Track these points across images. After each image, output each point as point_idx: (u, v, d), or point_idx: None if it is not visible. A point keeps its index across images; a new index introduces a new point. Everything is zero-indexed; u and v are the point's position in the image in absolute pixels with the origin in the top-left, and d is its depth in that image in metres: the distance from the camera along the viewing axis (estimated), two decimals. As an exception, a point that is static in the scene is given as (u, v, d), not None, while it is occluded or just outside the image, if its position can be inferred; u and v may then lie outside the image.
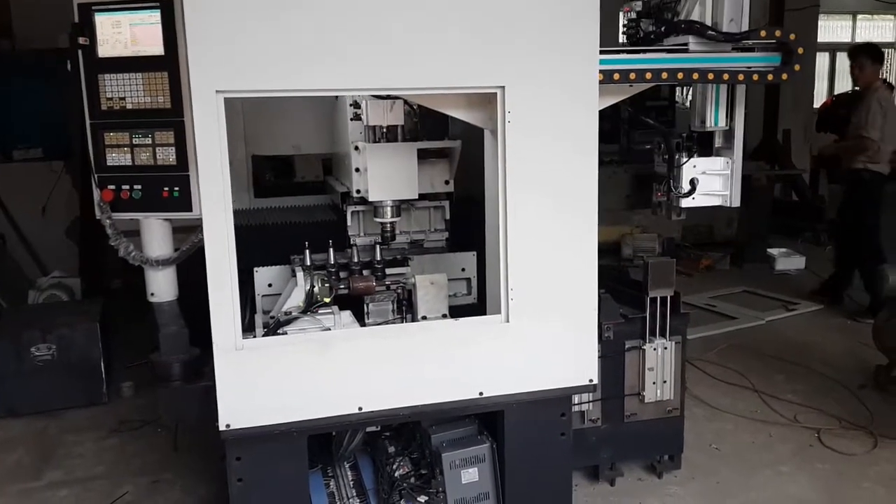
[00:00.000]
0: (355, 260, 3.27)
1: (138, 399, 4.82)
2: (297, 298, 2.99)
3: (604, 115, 2.79)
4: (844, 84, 16.49)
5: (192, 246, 2.98)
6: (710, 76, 2.77)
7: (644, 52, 2.75)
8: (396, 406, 2.62)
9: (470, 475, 3.01)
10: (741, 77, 2.79)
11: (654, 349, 3.64)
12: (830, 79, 16.79)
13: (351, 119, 3.28)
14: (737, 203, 3.26)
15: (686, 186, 3.23)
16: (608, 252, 8.38)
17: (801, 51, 2.80)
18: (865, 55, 6.32)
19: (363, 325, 3.09)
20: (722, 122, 3.10)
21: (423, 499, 3.05)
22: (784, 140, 9.87)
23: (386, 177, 3.13)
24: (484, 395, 2.70)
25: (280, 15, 2.33)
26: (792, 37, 2.80)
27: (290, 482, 2.69)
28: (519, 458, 2.94)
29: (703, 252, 8.44)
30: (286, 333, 2.79)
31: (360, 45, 2.40)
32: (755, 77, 2.81)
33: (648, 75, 2.71)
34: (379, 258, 3.28)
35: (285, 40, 2.34)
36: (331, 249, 3.23)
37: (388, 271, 3.33)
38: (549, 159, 2.61)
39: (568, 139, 2.62)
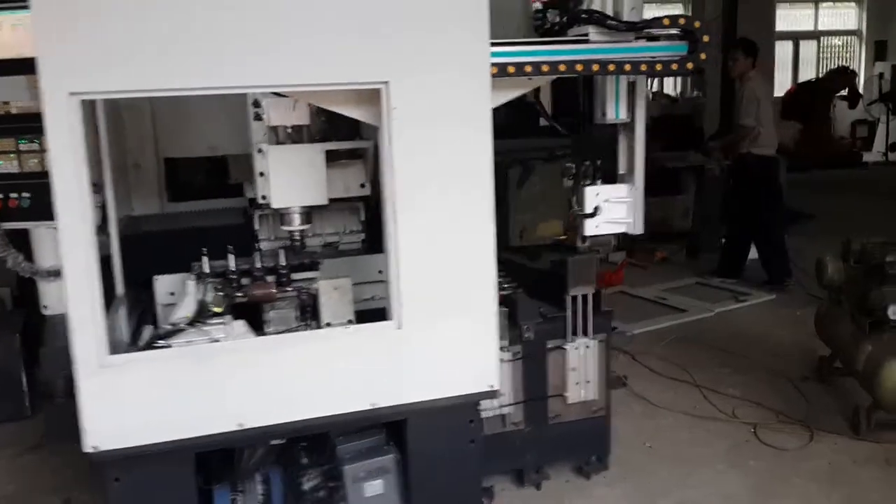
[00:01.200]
0: (258, 265, 3.13)
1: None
2: (187, 308, 2.85)
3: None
4: (808, 72, 16.59)
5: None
6: (611, 67, 2.65)
7: (539, 43, 2.63)
8: (280, 421, 2.48)
9: (374, 488, 2.89)
10: (644, 67, 2.69)
11: (576, 349, 3.54)
12: (794, 67, 16.87)
13: (253, 119, 3.11)
14: (640, 230, 3.22)
15: (590, 208, 3.16)
16: (563, 246, 8.29)
17: (706, 39, 2.70)
18: (739, 49, 6.86)
19: (263, 334, 2.96)
20: (623, 115, 3.01)
21: (327, 513, 2.93)
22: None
23: (291, 182, 2.97)
24: (376, 407, 2.58)
25: (138, 7, 2.18)
26: (696, 24, 2.69)
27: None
28: (425, 468, 2.82)
29: (659, 244, 8.37)
30: (170, 346, 2.65)
31: (229, 41, 2.26)
32: (658, 67, 2.70)
33: (545, 68, 2.59)
34: (284, 263, 3.15)
35: (144, 35, 2.18)
36: (231, 255, 3.09)
37: (296, 276, 3.21)
38: (440, 158, 2.49)
39: (459, 136, 2.50)
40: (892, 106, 14.70)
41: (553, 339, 3.55)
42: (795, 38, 16.54)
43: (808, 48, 16.94)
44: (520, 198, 3.91)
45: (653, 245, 8.33)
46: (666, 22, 2.68)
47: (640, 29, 2.68)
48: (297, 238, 3.13)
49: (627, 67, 2.67)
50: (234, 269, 3.09)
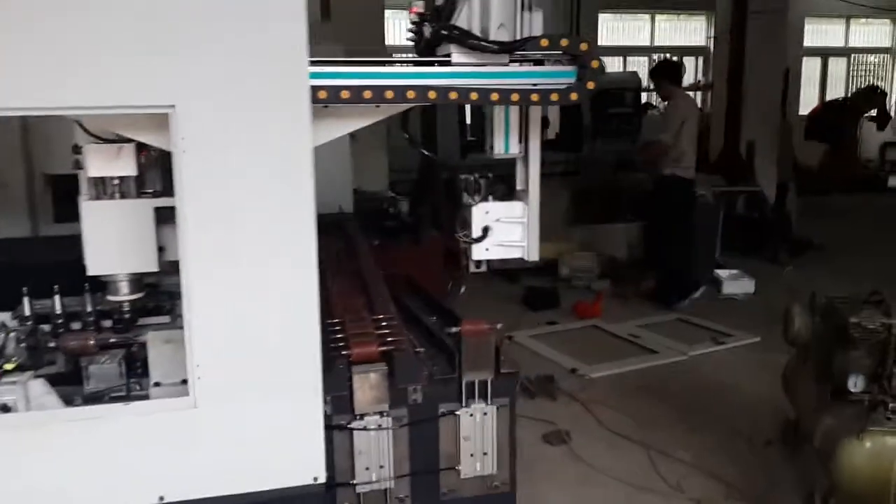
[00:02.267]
0: (89, 309, 2.71)
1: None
2: (-21, 362, 2.43)
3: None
4: (837, 90, 15.83)
5: None
6: (474, 96, 2.17)
7: (379, 63, 2.16)
8: (41, 516, 2.05)
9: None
10: (515, 97, 2.20)
11: (471, 415, 3.04)
12: (822, 84, 16.13)
13: (73, 167, 2.62)
14: (534, 257, 2.69)
15: (478, 232, 2.65)
16: (545, 271, 7.81)
17: (595, 64, 2.21)
18: (661, 76, 7.12)
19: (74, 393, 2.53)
20: (514, 149, 2.51)
21: None
22: (748, 153, 9.18)
23: (110, 244, 2.49)
24: (165, 501, 2.12)
25: None
26: (583, 46, 2.20)
27: None
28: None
29: (648, 272, 7.81)
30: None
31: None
32: (534, 97, 2.21)
33: (389, 94, 2.12)
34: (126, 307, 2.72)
35: None
36: (56, 296, 2.68)
37: (144, 321, 2.79)
38: (243, 199, 2.04)
39: (269, 173, 2.05)
40: (922, 129, 13.94)
41: (446, 402, 3.06)
42: (824, 54, 15.80)
43: (838, 65, 16.18)
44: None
45: (641, 273, 7.79)
46: (544, 43, 2.19)
47: (508, 50, 2.19)
48: (127, 311, 2.67)
49: (494, 97, 2.18)
50: (59, 312, 2.68)
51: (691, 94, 11.68)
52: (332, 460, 2.68)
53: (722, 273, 7.54)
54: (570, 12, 11.70)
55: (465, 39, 2.17)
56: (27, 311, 2.66)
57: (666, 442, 4.32)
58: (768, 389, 4.99)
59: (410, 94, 2.13)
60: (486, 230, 2.64)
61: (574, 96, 2.21)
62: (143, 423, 2.10)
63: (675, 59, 12.01)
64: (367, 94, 2.11)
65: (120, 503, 2.10)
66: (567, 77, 2.26)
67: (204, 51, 1.94)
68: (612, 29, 14.41)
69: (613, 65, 13.54)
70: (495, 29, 2.20)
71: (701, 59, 14.70)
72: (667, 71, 7.21)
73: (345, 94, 2.09)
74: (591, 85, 2.21)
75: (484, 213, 2.64)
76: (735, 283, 7.39)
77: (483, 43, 2.18)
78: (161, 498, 2.11)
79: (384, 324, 3.17)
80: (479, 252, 2.69)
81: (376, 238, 5.85)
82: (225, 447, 2.14)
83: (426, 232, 7.09)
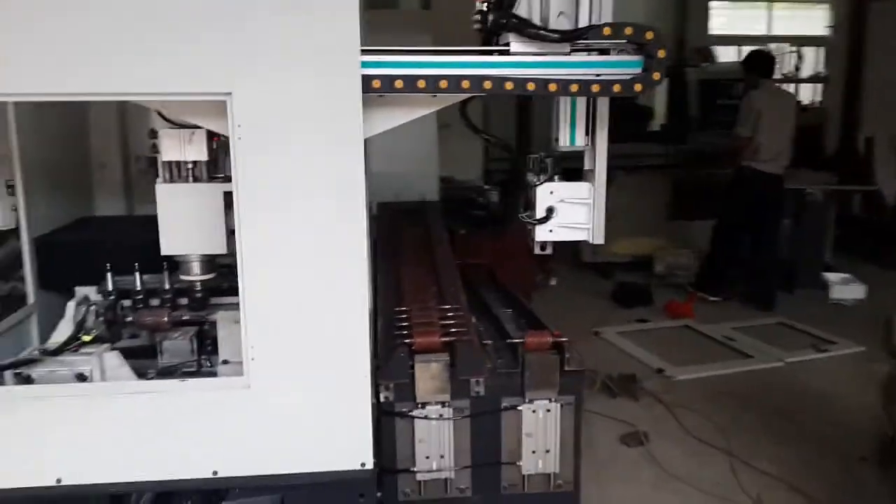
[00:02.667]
0: (167, 287, 2.84)
1: None
2: (62, 333, 2.59)
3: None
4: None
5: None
6: (531, 86, 2.12)
7: (434, 52, 2.14)
8: (103, 481, 2.16)
9: (250, 557, 2.52)
10: (575, 88, 2.13)
11: (534, 411, 3.00)
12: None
13: (150, 151, 2.72)
14: (599, 240, 2.58)
15: (541, 213, 2.59)
16: (640, 267, 7.61)
17: (661, 53, 2.11)
18: (751, 68, 6.96)
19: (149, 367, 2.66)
20: (580, 141, 2.44)
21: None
22: (867, 149, 8.61)
23: (183, 225, 2.61)
24: (219, 475, 2.20)
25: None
26: (649, 35, 2.11)
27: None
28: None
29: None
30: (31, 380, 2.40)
31: (34, 43, 1.95)
32: (595, 88, 2.13)
33: (443, 83, 2.10)
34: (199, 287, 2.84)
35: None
36: (137, 273, 2.82)
37: (216, 301, 2.91)
38: (296, 184, 2.07)
39: (322, 162, 2.07)
40: None
41: (510, 397, 3.03)
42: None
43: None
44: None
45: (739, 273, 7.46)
46: (607, 31, 2.11)
47: (568, 39, 2.13)
48: (198, 290, 2.78)
49: (553, 87, 2.12)
50: (140, 288, 2.83)
51: (805, 87, 11.08)
52: (393, 447, 2.73)
53: (831, 276, 7.13)
54: (679, 1, 11.30)
55: (524, 28, 2.12)
56: (110, 287, 2.80)
57: (750, 451, 4.12)
58: (868, 402, 4.70)
59: (465, 84, 2.11)
60: (550, 211, 2.57)
61: (638, 87, 2.12)
62: (201, 400, 2.19)
63: (791, 48, 11.42)
64: (421, 84, 2.10)
65: (177, 474, 2.19)
66: (633, 67, 2.17)
67: (259, 39, 1.98)
68: (727, 18, 13.79)
69: (728, 55, 12.95)
70: (555, 17, 2.14)
71: (822, 50, 13.86)
72: (756, 62, 6.95)
73: (398, 84, 2.09)
74: (656, 76, 2.12)
75: (548, 193, 2.57)
76: (844, 287, 6.96)
77: (542, 31, 2.12)
78: (215, 472, 2.20)
79: (450, 314, 3.17)
80: (542, 233, 2.63)
81: (463, 228, 5.86)
82: (275, 428, 2.19)
83: (514, 222, 7.03)
